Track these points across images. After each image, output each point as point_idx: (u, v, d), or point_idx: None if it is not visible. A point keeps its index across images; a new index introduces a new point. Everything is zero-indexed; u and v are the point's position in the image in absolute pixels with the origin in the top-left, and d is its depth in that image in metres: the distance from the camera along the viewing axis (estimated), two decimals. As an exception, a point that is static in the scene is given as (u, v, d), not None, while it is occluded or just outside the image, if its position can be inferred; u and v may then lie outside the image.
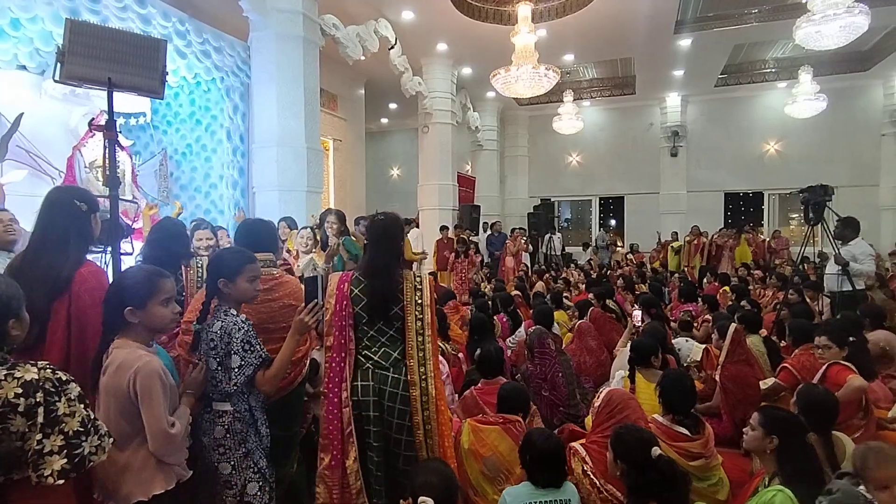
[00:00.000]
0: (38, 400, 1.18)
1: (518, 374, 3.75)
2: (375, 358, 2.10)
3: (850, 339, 3.02)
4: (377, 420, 2.06)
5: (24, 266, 1.76)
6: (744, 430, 2.07)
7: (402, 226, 2.26)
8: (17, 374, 1.19)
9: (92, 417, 1.28)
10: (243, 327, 1.79)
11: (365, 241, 2.24)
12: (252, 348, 1.79)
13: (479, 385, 3.00)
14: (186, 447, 1.64)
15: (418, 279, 2.16)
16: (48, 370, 1.23)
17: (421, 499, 1.63)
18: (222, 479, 1.77)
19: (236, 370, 1.75)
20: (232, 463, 1.77)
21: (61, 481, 1.18)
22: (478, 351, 3.66)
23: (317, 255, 4.03)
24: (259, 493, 1.81)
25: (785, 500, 1.69)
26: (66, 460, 1.19)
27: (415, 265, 7.70)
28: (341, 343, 2.09)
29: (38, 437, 1.17)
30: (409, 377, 2.08)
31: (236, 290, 1.86)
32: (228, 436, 1.77)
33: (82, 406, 1.26)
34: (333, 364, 2.08)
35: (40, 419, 1.17)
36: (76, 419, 1.23)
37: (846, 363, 2.85)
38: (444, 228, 9.37)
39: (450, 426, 2.19)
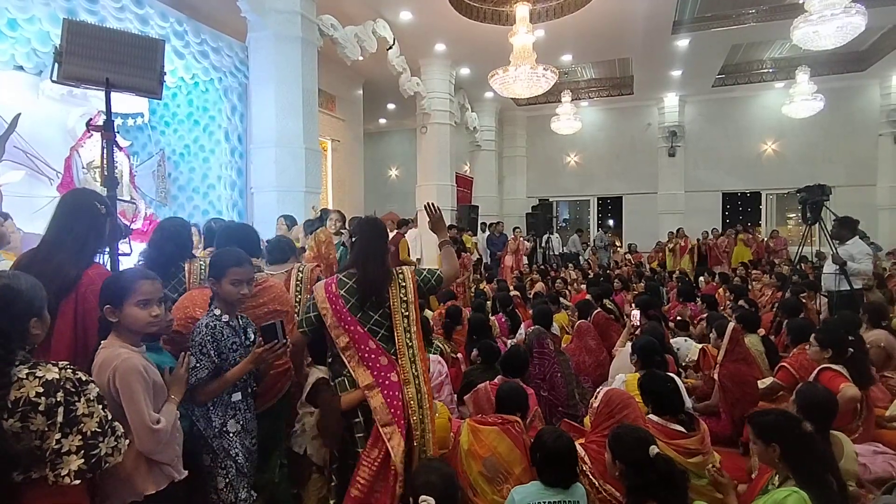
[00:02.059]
0: (58, 399, 1.19)
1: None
2: None
3: (850, 338, 3.01)
4: (364, 425, 2.07)
5: (33, 264, 1.74)
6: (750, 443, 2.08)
7: (385, 229, 2.31)
8: (39, 374, 1.19)
9: (109, 418, 1.28)
10: (202, 331, 1.82)
11: (352, 239, 2.24)
12: (205, 353, 1.80)
13: (496, 381, 2.99)
14: (177, 445, 1.62)
15: (401, 276, 2.16)
16: (69, 370, 1.24)
17: (422, 498, 1.63)
18: (206, 470, 1.83)
19: (191, 370, 1.79)
20: (210, 455, 1.83)
21: (77, 481, 1.19)
22: (474, 351, 3.67)
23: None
24: (225, 490, 1.82)
25: (798, 502, 1.68)
26: (83, 460, 1.20)
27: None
28: (360, 333, 2.07)
29: (57, 436, 1.18)
30: (402, 377, 2.08)
31: (221, 291, 1.88)
32: (207, 428, 1.83)
33: (100, 407, 1.26)
34: (363, 355, 2.06)
35: (59, 419, 1.18)
36: (94, 420, 1.24)
37: (838, 369, 2.79)
38: (449, 228, 9.33)
39: (435, 423, 2.19)
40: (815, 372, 2.89)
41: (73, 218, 1.81)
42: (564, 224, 15.81)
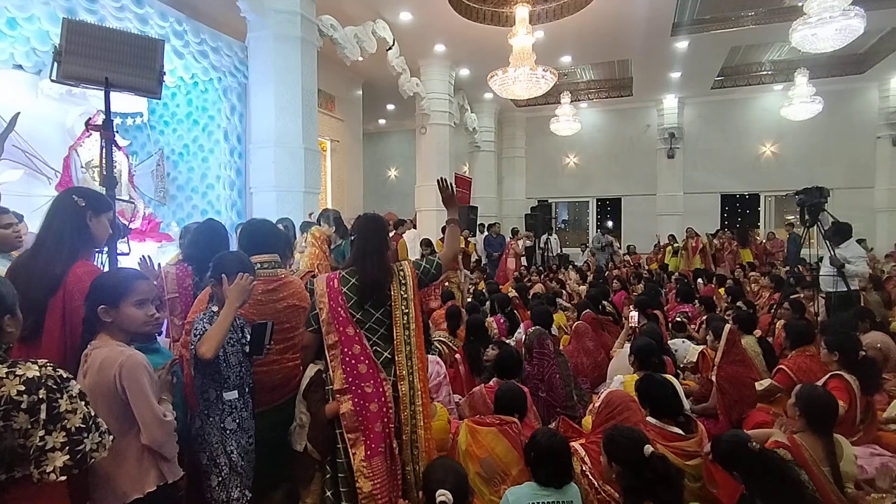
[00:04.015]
0: (40, 397, 1.18)
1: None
2: None
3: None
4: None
5: (24, 263, 1.79)
6: None
7: (386, 224, 2.31)
8: (19, 372, 1.19)
9: (92, 414, 1.28)
10: (197, 327, 1.84)
11: (352, 237, 2.24)
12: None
13: (491, 383, 2.99)
14: (176, 442, 1.64)
15: (401, 273, 2.16)
16: (49, 367, 1.23)
17: (439, 492, 1.66)
18: (202, 469, 1.83)
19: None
20: (206, 454, 1.83)
21: (63, 477, 1.19)
22: (490, 352, 3.67)
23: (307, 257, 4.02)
24: (218, 488, 1.81)
25: None
26: (68, 457, 1.20)
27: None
28: (349, 335, 2.06)
29: (41, 433, 1.17)
30: (397, 372, 2.09)
31: (221, 293, 1.89)
32: (203, 427, 1.84)
33: (83, 403, 1.26)
34: (344, 358, 2.06)
35: (43, 416, 1.18)
36: (78, 416, 1.23)
37: (848, 379, 2.74)
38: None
39: (431, 421, 2.19)
40: (825, 378, 2.85)
41: (51, 215, 1.84)
42: (563, 225, 15.82)
